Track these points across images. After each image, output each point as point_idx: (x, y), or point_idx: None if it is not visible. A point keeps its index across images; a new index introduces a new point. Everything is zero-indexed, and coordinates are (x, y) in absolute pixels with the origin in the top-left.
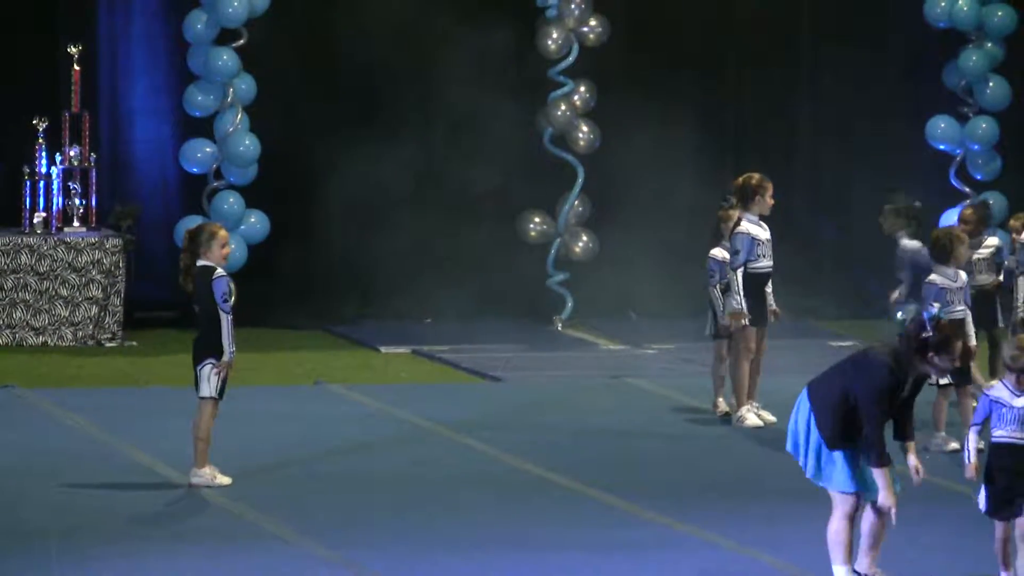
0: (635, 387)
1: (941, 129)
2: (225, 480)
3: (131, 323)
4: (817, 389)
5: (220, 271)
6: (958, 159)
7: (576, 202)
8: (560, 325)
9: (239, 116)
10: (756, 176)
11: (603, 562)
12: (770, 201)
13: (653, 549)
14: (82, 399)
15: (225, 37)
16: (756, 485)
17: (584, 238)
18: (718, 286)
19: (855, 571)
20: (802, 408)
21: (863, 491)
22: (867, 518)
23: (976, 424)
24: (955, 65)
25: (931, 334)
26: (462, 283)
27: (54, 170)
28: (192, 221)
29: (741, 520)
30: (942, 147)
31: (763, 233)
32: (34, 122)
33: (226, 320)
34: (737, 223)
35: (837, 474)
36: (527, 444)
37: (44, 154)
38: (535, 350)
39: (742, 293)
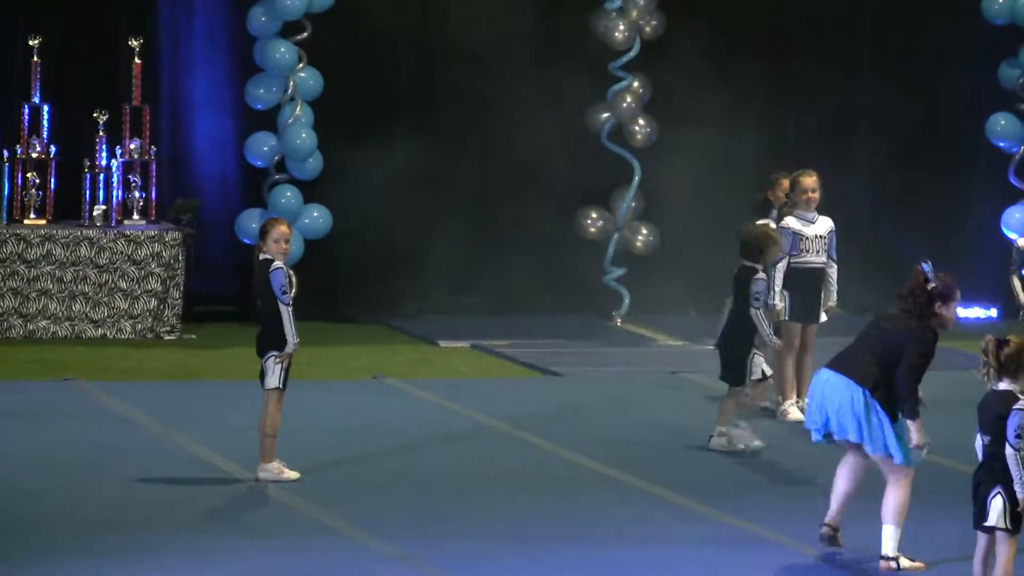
0: (694, 383)
1: (1001, 126)
2: (293, 475)
3: (190, 316)
4: (856, 370)
5: (277, 263)
6: (1017, 156)
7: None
8: (619, 321)
9: (298, 109)
10: (793, 173)
11: (663, 558)
12: (804, 196)
13: (713, 545)
14: (141, 392)
15: (289, 31)
16: (814, 482)
17: (644, 231)
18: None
19: (825, 523)
20: (840, 393)
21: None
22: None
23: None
24: (1015, 61)
25: (935, 284)
26: (521, 278)
27: (114, 163)
28: (251, 215)
29: (800, 516)
30: (1002, 144)
31: (809, 229)
32: (95, 115)
33: (286, 311)
34: (782, 218)
35: (899, 445)
36: (585, 439)
37: (105, 147)
38: (594, 345)
39: (779, 288)
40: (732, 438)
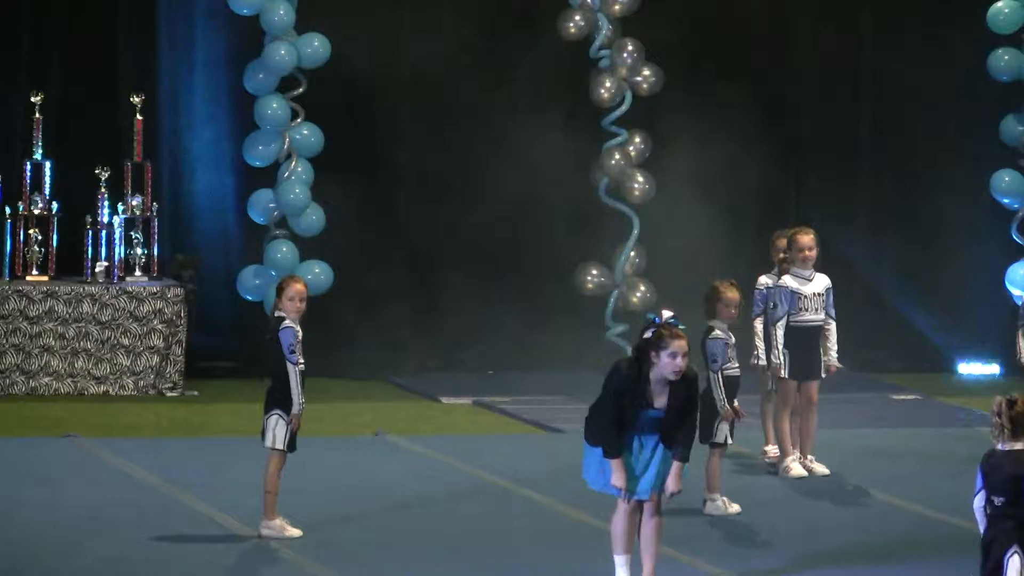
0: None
1: (1006, 183)
2: (295, 532)
3: (192, 373)
4: None
5: (288, 322)
6: (1020, 213)
7: (632, 253)
8: None
9: (293, 164)
10: (790, 231)
11: None
12: (801, 255)
13: None
14: (143, 449)
15: (287, 87)
16: (815, 540)
17: (642, 288)
18: (758, 320)
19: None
20: None
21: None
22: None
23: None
24: (1020, 117)
25: (649, 335)
26: (522, 335)
27: (116, 219)
28: (252, 271)
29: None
30: (1006, 200)
31: (806, 287)
32: (96, 171)
33: (294, 371)
34: (780, 276)
35: (590, 471)
36: (588, 497)
37: (106, 203)
38: None
39: (781, 346)
40: (725, 501)
